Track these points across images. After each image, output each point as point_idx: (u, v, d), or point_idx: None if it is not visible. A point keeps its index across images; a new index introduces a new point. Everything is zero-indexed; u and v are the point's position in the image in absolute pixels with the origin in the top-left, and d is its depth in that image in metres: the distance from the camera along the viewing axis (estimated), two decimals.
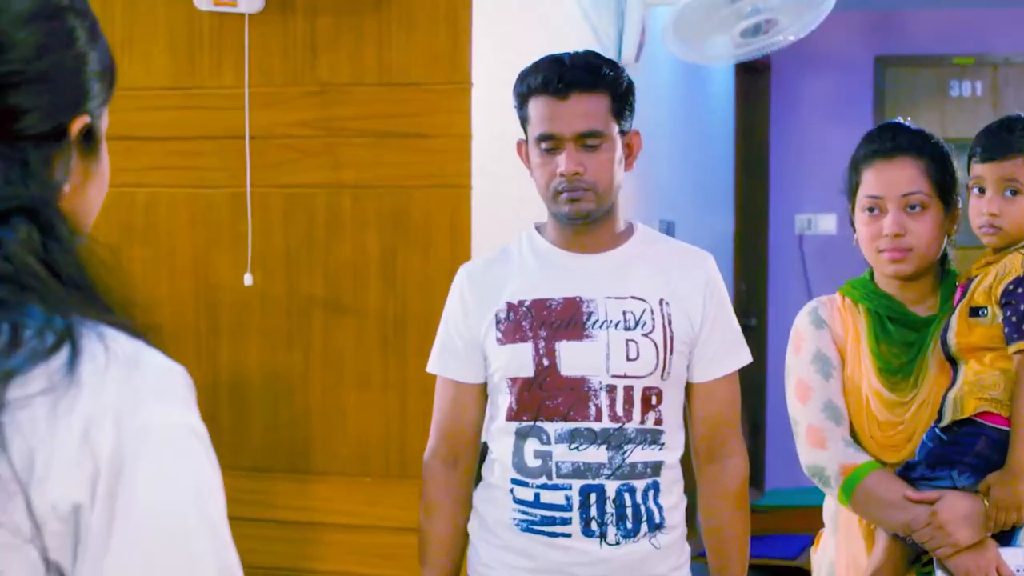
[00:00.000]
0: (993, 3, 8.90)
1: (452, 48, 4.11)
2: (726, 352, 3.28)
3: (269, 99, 4.27)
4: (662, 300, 3.20)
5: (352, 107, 4.21)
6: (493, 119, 4.22)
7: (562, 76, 3.14)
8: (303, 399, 4.28)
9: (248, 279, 4.25)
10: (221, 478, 1.46)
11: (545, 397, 3.16)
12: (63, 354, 1.38)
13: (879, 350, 3.26)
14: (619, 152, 3.19)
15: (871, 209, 3.25)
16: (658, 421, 3.18)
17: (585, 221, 3.19)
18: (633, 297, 3.20)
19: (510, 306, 3.23)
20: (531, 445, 3.18)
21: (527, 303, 3.21)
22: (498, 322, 3.23)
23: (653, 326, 3.18)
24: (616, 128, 3.18)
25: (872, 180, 3.25)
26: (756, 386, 8.71)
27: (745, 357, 3.33)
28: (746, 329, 3.66)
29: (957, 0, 8.91)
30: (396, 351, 4.19)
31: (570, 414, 3.14)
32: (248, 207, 4.27)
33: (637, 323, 3.17)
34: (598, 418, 3.14)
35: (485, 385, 3.30)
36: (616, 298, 3.19)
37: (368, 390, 4.22)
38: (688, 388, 3.28)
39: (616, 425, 3.15)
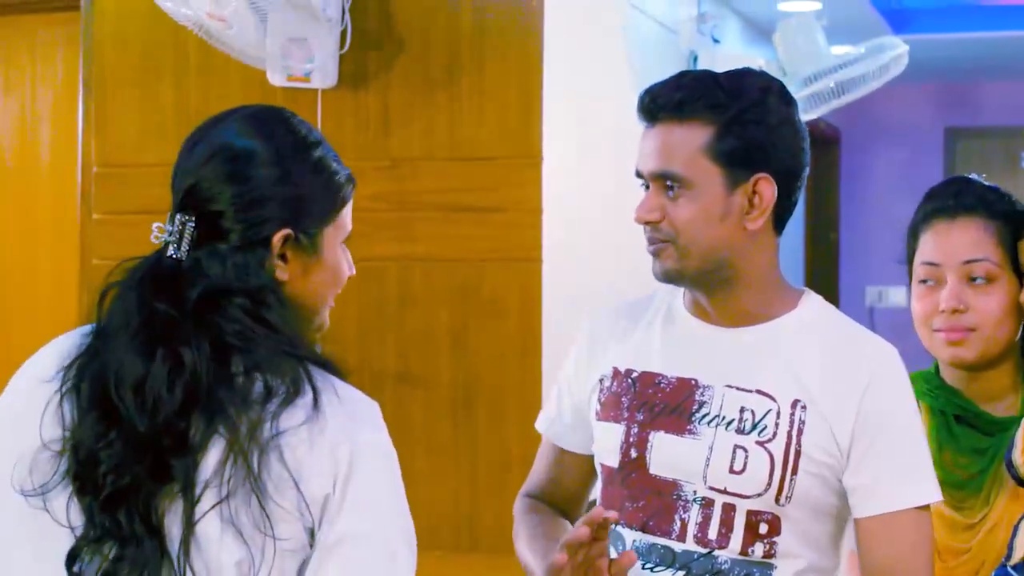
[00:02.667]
0: None
1: (523, 122, 4.13)
2: (892, 480, 2.41)
3: None
4: (797, 402, 2.42)
5: (424, 181, 4.23)
6: (564, 193, 4.23)
7: (654, 96, 2.46)
8: None
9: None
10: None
11: (627, 496, 2.51)
12: (309, 394, 2.03)
13: (942, 459, 2.64)
14: (717, 203, 2.42)
15: (926, 280, 2.70)
16: (769, 554, 2.42)
17: (677, 284, 2.52)
18: (759, 392, 2.44)
19: (616, 373, 2.57)
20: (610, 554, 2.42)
21: (635, 374, 2.54)
22: (601, 390, 2.60)
23: (775, 434, 2.41)
24: (716, 171, 2.41)
25: (930, 245, 2.70)
26: None
27: (926, 494, 2.42)
28: None
29: None
30: (466, 423, 4.19)
31: (649, 524, 2.47)
32: None
33: (755, 426, 2.42)
34: (681, 537, 2.44)
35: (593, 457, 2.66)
36: (738, 389, 2.45)
37: (438, 463, 4.21)
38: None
39: (703, 550, 2.43)
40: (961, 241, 2.66)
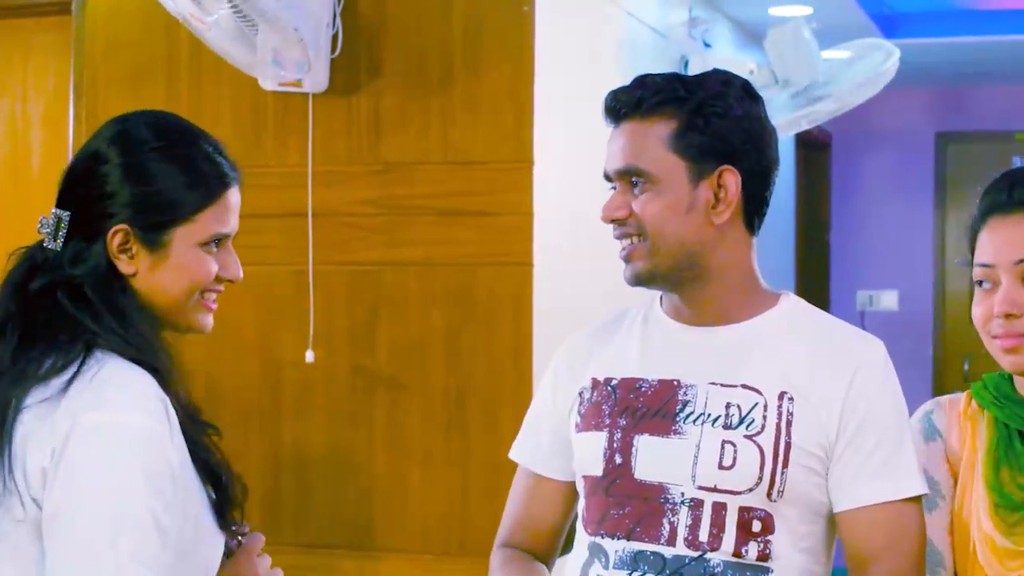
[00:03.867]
0: None
1: (515, 127, 4.13)
2: (875, 473, 2.35)
3: (333, 178, 4.30)
4: (784, 394, 2.36)
5: (416, 185, 4.23)
6: (556, 197, 4.23)
7: (616, 97, 2.48)
8: (366, 476, 4.28)
9: (310, 356, 4.26)
10: (154, 457, 2.07)
11: (611, 504, 2.40)
12: (68, 374, 2.09)
13: (998, 478, 2.40)
14: (682, 197, 2.39)
15: (982, 282, 2.42)
16: (764, 556, 2.33)
17: (650, 286, 2.47)
18: (744, 386, 2.38)
19: (595, 383, 2.50)
20: (595, 569, 2.42)
21: (615, 382, 2.47)
22: (580, 403, 2.52)
23: (763, 427, 2.34)
24: (680, 164, 2.39)
25: (984, 244, 2.43)
26: None
27: (907, 487, 2.36)
28: None
29: (1019, 77, 8.89)
30: (459, 428, 4.19)
31: (635, 531, 2.37)
32: (310, 284, 4.29)
33: (742, 420, 2.36)
34: (671, 541, 2.35)
35: (574, 484, 2.57)
36: (722, 385, 2.39)
37: (431, 467, 4.22)
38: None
39: (694, 553, 2.33)
40: (1015, 238, 2.39)
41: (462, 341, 4.19)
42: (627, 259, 2.43)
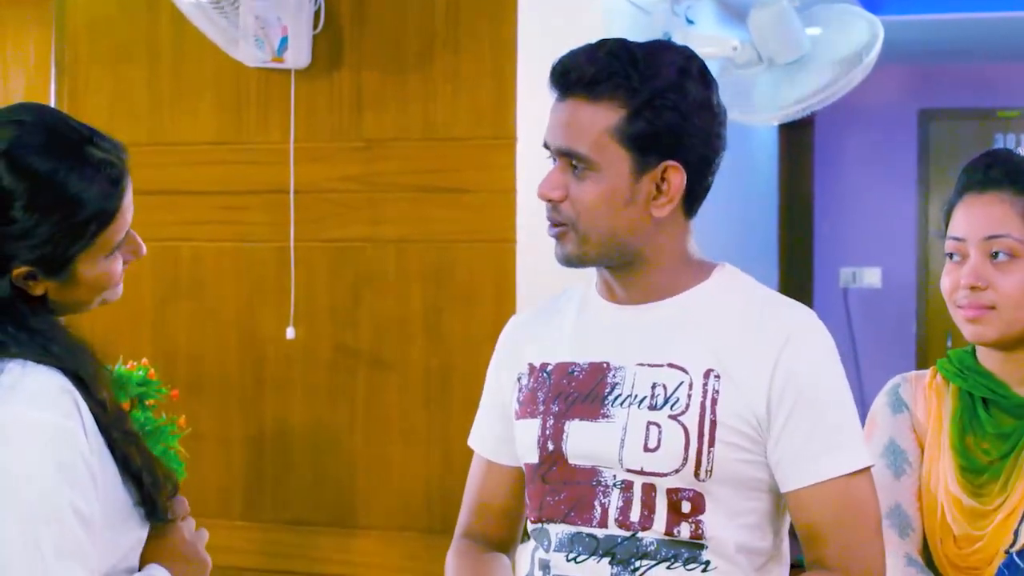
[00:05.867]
0: None
1: (497, 104, 4.13)
2: (816, 451, 2.28)
3: (314, 154, 4.29)
4: (710, 372, 2.30)
5: (397, 162, 4.22)
6: (538, 174, 4.20)
7: (566, 69, 2.36)
8: (346, 453, 4.28)
9: (290, 332, 4.26)
10: (64, 455, 2.04)
11: (548, 491, 2.39)
12: None
13: (963, 443, 2.54)
14: (622, 189, 2.31)
15: (952, 255, 2.55)
16: (696, 535, 2.29)
17: (580, 267, 2.40)
18: (671, 365, 2.32)
19: (531, 369, 2.47)
20: (539, 553, 2.42)
21: (550, 367, 2.43)
22: (519, 389, 2.49)
23: (687, 406, 2.29)
24: (624, 155, 2.30)
25: (958, 218, 2.55)
26: None
27: (850, 461, 2.29)
28: None
29: (1001, 55, 8.90)
30: (439, 406, 4.18)
31: (570, 514, 2.36)
32: (292, 261, 4.28)
33: (667, 400, 2.30)
34: (602, 523, 2.33)
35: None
36: (649, 366, 2.34)
37: (411, 445, 4.21)
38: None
39: (625, 534, 2.31)
40: (985, 215, 2.51)
41: (444, 318, 4.19)
42: (556, 239, 2.37)
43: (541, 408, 2.40)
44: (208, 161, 4.41)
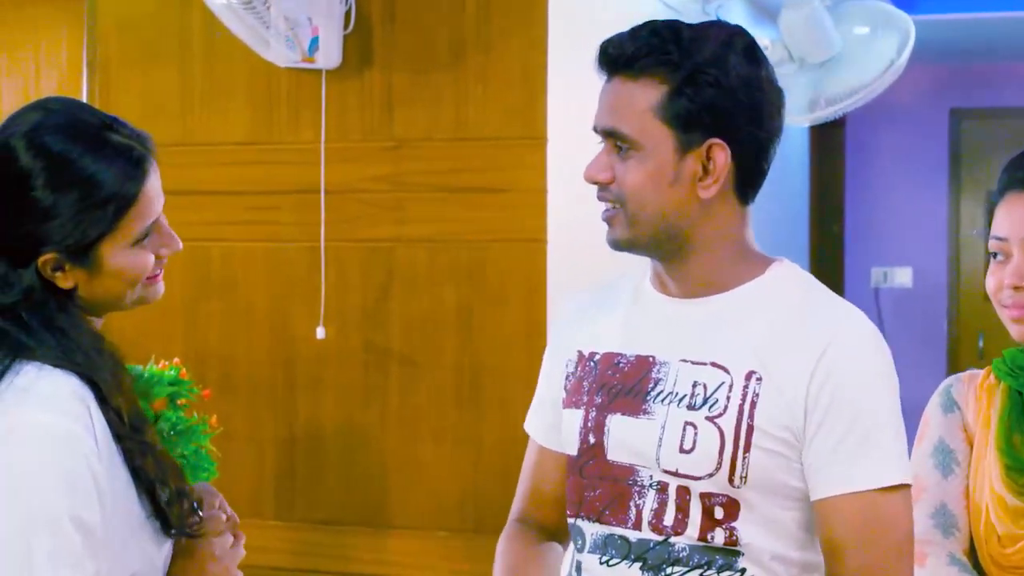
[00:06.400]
0: None
1: (527, 103, 4.12)
2: (846, 460, 2.17)
3: (345, 154, 4.30)
4: (752, 373, 2.22)
5: (428, 162, 4.22)
6: (568, 173, 4.22)
7: (609, 48, 2.32)
8: (378, 453, 4.28)
9: (320, 332, 4.27)
10: (68, 458, 2.04)
11: (585, 486, 2.34)
12: None
13: (1010, 442, 2.49)
14: (667, 168, 2.25)
15: (996, 254, 2.51)
16: (731, 541, 2.21)
17: (631, 252, 2.35)
18: (713, 364, 2.25)
19: (580, 357, 2.42)
20: (573, 552, 2.38)
21: (598, 356, 2.38)
22: (567, 377, 2.44)
23: (725, 408, 2.21)
24: (668, 133, 2.24)
25: (1000, 217, 2.51)
26: None
27: (882, 475, 2.18)
28: None
29: None
30: (471, 405, 4.18)
31: (605, 513, 2.30)
32: (322, 261, 4.29)
33: (705, 401, 2.23)
34: (636, 525, 2.26)
35: None
36: (692, 363, 2.27)
37: (443, 444, 4.21)
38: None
39: (658, 537, 2.24)
40: None
41: (474, 318, 4.18)
42: (607, 223, 2.33)
43: (585, 399, 2.35)
44: (239, 161, 4.42)
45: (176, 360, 3.77)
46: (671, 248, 2.30)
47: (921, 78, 8.86)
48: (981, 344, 8.55)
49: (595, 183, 2.32)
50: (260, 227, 4.41)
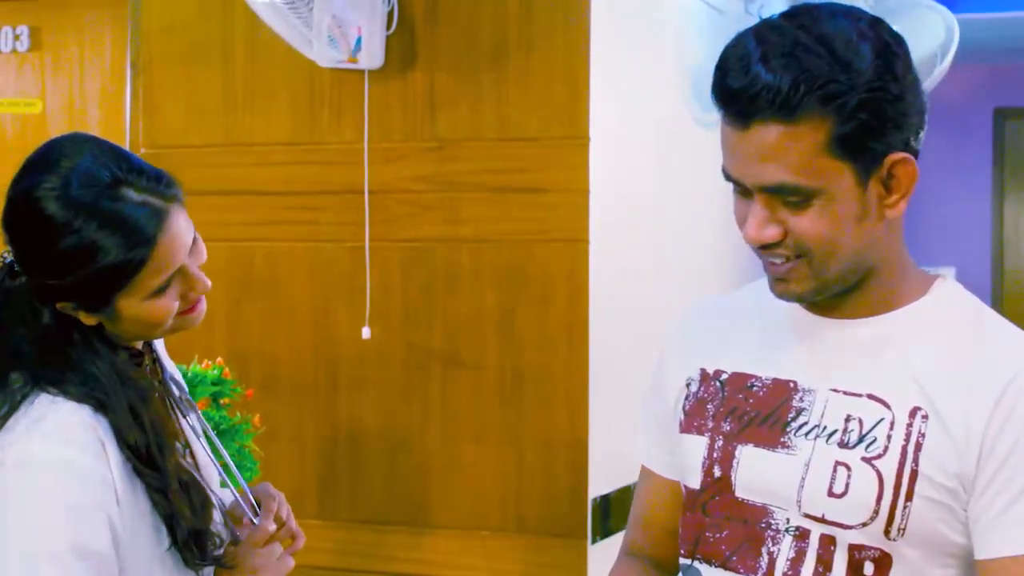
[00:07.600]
0: None
1: (570, 103, 4.11)
2: (1020, 519, 1.89)
3: (388, 154, 4.30)
4: (916, 410, 1.94)
5: (470, 162, 4.22)
6: (611, 174, 4.21)
7: (746, 91, 1.89)
8: (420, 453, 4.28)
9: (366, 332, 4.27)
10: (76, 489, 2.07)
11: (708, 524, 2.08)
12: (5, 409, 2.10)
13: None
14: (852, 204, 1.94)
15: None
16: None
17: (810, 300, 2.05)
18: (870, 396, 1.98)
19: (704, 376, 2.16)
20: None
21: (725, 376, 2.12)
22: (687, 397, 2.18)
23: (886, 448, 1.94)
24: (843, 166, 1.91)
25: None
26: None
27: None
28: None
29: None
30: (513, 406, 4.18)
31: (732, 559, 2.04)
32: (367, 261, 4.29)
33: (861, 439, 1.95)
34: (768, 575, 2.01)
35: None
36: (845, 393, 1.99)
37: (485, 444, 4.21)
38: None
39: None
40: None
41: (517, 318, 4.18)
42: (782, 278, 2.01)
43: (710, 424, 2.10)
44: (282, 162, 4.42)
45: (219, 360, 3.78)
46: (853, 280, 2.03)
47: (965, 78, 8.81)
48: None
49: (763, 245, 1.99)
50: (303, 227, 4.42)
